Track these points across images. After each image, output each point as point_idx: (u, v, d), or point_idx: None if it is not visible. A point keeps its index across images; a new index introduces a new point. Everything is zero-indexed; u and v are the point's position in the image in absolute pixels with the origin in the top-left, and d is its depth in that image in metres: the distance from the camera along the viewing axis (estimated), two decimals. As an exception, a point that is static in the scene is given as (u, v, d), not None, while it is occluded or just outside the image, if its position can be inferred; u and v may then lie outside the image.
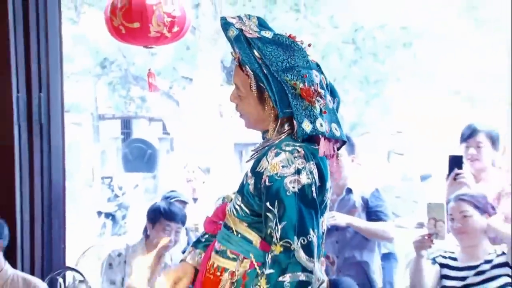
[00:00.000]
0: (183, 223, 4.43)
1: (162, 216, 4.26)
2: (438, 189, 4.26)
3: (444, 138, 11.45)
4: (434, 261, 3.67)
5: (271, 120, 2.22)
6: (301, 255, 2.02)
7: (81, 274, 4.03)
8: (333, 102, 2.25)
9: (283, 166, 2.07)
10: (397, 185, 9.62)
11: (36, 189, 4.04)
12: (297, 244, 2.02)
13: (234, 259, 2.19)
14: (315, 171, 2.10)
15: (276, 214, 2.06)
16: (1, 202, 3.93)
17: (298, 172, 2.07)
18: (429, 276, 3.61)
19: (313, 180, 2.08)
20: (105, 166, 14.98)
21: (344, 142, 2.25)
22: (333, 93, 2.28)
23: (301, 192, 2.05)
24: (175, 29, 4.00)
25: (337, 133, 2.18)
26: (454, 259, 3.63)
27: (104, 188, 12.96)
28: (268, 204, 2.08)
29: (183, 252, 3.45)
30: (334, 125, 2.18)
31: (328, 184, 2.18)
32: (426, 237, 3.56)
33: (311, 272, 2.03)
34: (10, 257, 3.66)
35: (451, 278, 3.58)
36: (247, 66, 2.18)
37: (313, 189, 2.08)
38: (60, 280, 3.93)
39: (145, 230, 4.41)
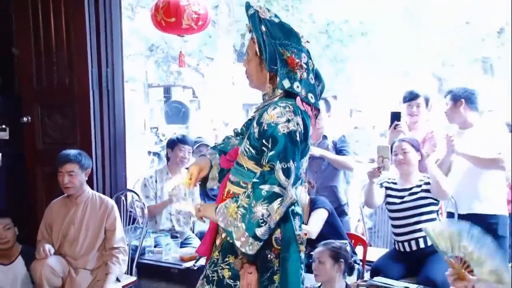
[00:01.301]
0: (193, 147, 4.50)
1: (178, 141, 4.31)
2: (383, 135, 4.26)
3: (387, 99, 11.41)
4: (381, 185, 3.67)
5: (268, 82, 2.15)
6: (280, 175, 1.97)
7: (137, 195, 4.03)
8: (318, 86, 2.20)
9: (277, 117, 2.02)
10: (356, 133, 9.59)
11: (105, 134, 4.05)
12: (279, 166, 1.98)
13: (245, 188, 2.12)
14: (301, 122, 2.05)
15: (269, 147, 2.02)
16: (82, 143, 3.95)
17: (288, 121, 2.01)
18: (378, 195, 3.62)
19: (298, 128, 2.03)
20: (153, 120, 14.89)
21: (318, 110, 2.18)
22: (318, 77, 2.21)
23: (288, 134, 2.00)
24: (200, 23, 3.96)
25: (312, 100, 2.13)
26: (395, 183, 3.64)
27: (152, 135, 12.91)
28: (264, 141, 2.04)
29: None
30: (310, 94, 2.12)
31: (310, 133, 2.12)
32: (376, 169, 3.56)
33: (284, 188, 1.98)
34: (89, 182, 3.69)
35: (392, 197, 3.59)
36: (253, 34, 2.12)
37: (297, 134, 2.02)
38: (123, 198, 3.94)
39: (167, 155, 4.46)
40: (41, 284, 3.28)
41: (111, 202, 3.61)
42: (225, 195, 2.23)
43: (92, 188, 3.74)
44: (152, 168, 9.56)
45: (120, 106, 4.15)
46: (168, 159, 4.44)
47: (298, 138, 2.03)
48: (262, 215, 1.96)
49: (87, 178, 3.56)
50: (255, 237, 1.98)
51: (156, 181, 4.33)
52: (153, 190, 4.30)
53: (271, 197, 1.97)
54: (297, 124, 2.03)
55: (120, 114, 4.16)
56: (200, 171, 2.34)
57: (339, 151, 4.12)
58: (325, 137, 4.16)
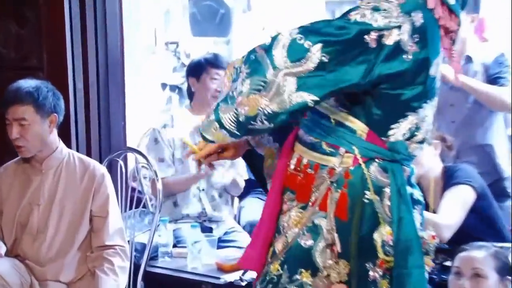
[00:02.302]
0: None
1: (208, 65, 4.38)
2: None
3: None
4: None
5: None
6: (278, 50, 2.06)
7: (145, 157, 4.05)
8: None
9: (368, 2, 2.04)
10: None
11: (90, 53, 4.09)
12: (287, 36, 2.08)
13: (332, 154, 2.12)
14: (406, 28, 2.01)
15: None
16: (50, 68, 3.98)
17: (374, 9, 2.01)
18: None
19: (382, 31, 2.00)
20: (170, 30, 14.97)
21: (459, 21, 2.16)
22: None
23: (356, 23, 2.01)
24: None
25: (451, 1, 2.10)
26: None
27: (169, 55, 13.02)
28: None
29: None
30: None
31: (435, 60, 2.11)
32: None
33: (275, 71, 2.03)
34: (63, 136, 3.70)
35: None
36: None
37: (374, 35, 2.00)
38: (121, 163, 3.97)
39: (189, 89, 4.52)
40: (-14, 303, 3.37)
41: (101, 169, 3.65)
42: (292, 167, 2.23)
43: (69, 146, 3.78)
44: (169, 113, 9.68)
45: (114, 4, 4.18)
46: (191, 95, 4.46)
47: (368, 40, 2.00)
48: (235, 89, 2.11)
49: (53, 130, 3.53)
50: (221, 124, 2.11)
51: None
52: (169, 149, 4.35)
53: (252, 66, 2.09)
54: (391, 27, 2.00)
55: (115, 19, 4.21)
56: (222, 149, 2.39)
57: (491, 81, 4.10)
58: (468, 59, 4.14)
